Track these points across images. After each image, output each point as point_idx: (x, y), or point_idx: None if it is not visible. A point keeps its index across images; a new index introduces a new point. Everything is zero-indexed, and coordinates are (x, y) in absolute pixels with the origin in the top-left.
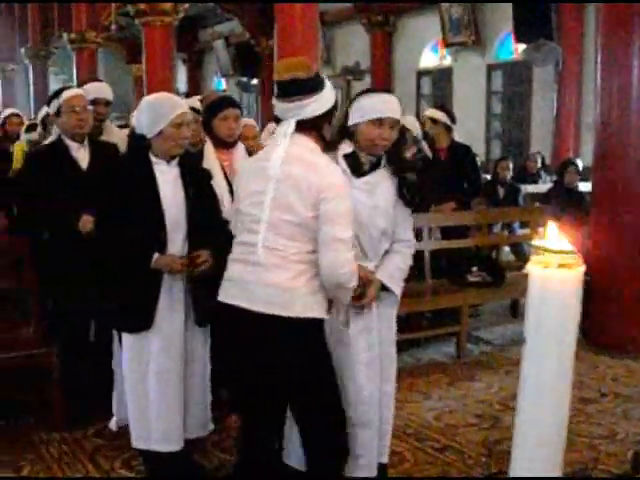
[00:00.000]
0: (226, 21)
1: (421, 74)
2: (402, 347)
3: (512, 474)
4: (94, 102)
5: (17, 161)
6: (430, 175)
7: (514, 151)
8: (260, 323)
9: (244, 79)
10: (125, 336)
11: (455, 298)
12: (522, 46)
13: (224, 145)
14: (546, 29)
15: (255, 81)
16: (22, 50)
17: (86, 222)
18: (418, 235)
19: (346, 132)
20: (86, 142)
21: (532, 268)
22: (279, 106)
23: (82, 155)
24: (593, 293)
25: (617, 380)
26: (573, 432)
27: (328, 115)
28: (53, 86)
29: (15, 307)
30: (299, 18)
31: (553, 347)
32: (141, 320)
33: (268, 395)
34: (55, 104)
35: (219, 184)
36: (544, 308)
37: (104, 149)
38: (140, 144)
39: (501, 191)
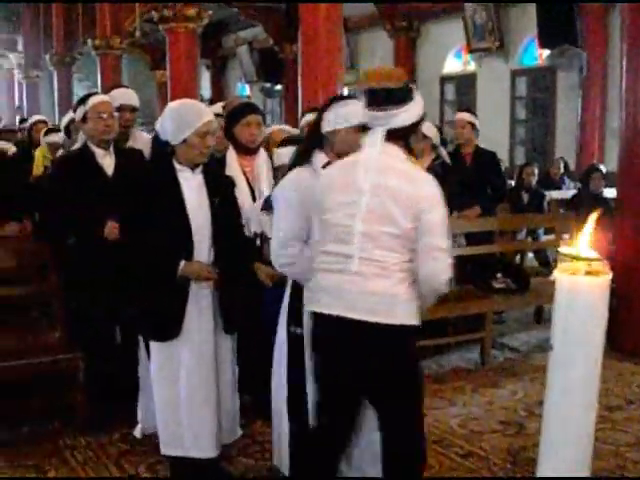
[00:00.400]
0: (250, 27)
1: (445, 80)
2: (426, 353)
3: None
4: (120, 108)
5: (37, 167)
6: (450, 181)
7: (538, 157)
8: (360, 331)
9: (268, 85)
10: (153, 344)
11: (480, 304)
12: (546, 52)
13: (246, 151)
14: (570, 34)
15: (279, 87)
16: (46, 56)
17: (112, 229)
18: None
19: (319, 139)
20: (112, 149)
21: (559, 275)
22: (369, 114)
23: (108, 162)
24: (618, 299)
25: None
26: (599, 439)
27: (416, 125)
28: (77, 92)
29: (40, 312)
30: (323, 22)
31: (580, 354)
32: (169, 329)
33: (357, 402)
34: (81, 110)
35: (242, 190)
36: (571, 315)
37: (129, 155)
38: (164, 151)
39: (525, 197)
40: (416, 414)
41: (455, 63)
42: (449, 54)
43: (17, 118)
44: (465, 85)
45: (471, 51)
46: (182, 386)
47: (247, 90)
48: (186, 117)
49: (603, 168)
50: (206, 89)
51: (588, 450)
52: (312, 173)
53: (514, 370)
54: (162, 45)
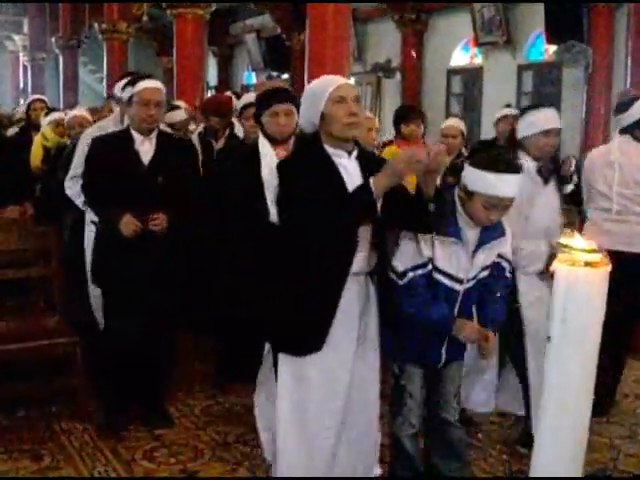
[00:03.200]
0: (258, 15)
1: (451, 73)
2: None
3: (532, 473)
4: None
5: (35, 156)
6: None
7: None
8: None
9: (274, 74)
10: (284, 360)
11: None
12: (553, 47)
13: (276, 141)
14: (577, 31)
15: (286, 76)
16: (52, 39)
17: (128, 224)
18: None
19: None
20: (154, 134)
21: (558, 266)
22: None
23: (146, 148)
24: None
25: (639, 381)
26: (593, 432)
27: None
28: (83, 76)
29: (39, 296)
30: (331, 12)
31: (577, 346)
32: (312, 340)
33: None
34: (128, 92)
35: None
36: (569, 307)
37: (174, 144)
38: (309, 139)
39: None
40: None
41: (462, 56)
42: (456, 47)
43: (21, 101)
44: (472, 78)
45: (478, 45)
46: (311, 407)
47: (253, 78)
48: (317, 89)
49: None
50: (213, 76)
51: (583, 442)
52: None
53: None
54: (169, 31)
